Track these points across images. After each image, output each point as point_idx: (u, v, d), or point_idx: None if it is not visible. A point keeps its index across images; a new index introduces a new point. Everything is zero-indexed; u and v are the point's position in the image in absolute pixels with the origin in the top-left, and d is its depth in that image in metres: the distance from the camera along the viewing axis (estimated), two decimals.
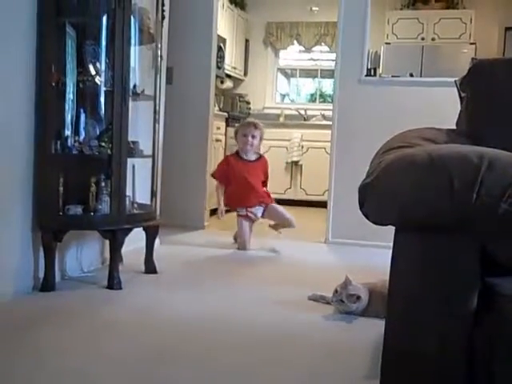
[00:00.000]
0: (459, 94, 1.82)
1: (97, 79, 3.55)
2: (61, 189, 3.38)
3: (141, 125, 4.12)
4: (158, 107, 4.06)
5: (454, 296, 1.13)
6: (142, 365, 2.29)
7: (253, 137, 4.90)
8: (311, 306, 3.20)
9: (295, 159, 8.28)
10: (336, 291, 3.03)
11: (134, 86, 3.87)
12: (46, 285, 3.27)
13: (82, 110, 3.53)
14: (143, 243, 3.80)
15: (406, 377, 1.17)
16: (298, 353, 2.52)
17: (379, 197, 1.16)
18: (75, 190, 3.49)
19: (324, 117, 8.56)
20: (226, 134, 7.19)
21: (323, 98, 9.52)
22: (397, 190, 1.14)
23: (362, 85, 5.29)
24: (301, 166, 8.30)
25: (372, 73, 5.55)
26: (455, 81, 1.85)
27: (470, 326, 1.12)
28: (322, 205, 5.88)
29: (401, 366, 1.18)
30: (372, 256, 4.39)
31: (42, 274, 3.32)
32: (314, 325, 2.93)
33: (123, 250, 3.66)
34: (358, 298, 2.97)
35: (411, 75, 6.28)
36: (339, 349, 2.58)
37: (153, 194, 3.98)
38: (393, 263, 1.20)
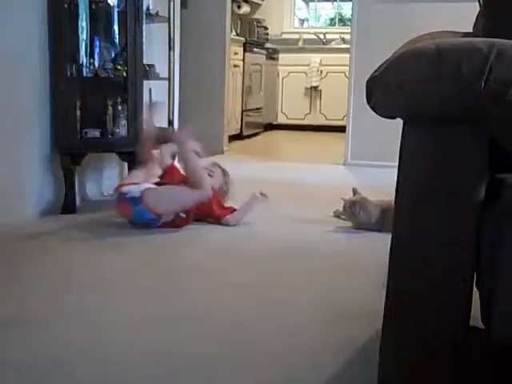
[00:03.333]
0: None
1: (109, 0, 3.51)
2: (78, 112, 3.39)
3: (156, 48, 4.10)
4: (172, 29, 4.01)
5: (463, 186, 1.13)
6: (157, 275, 2.35)
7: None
8: (329, 222, 3.23)
9: (314, 84, 8.19)
10: (345, 206, 3.10)
11: (148, 8, 3.82)
12: (67, 207, 3.33)
13: (95, 32, 3.50)
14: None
15: (416, 266, 1.18)
16: (312, 264, 2.57)
17: (386, 89, 1.15)
18: (92, 113, 3.50)
19: (343, 40, 8.40)
20: (243, 60, 7.11)
21: (343, 21, 9.31)
22: (404, 81, 1.13)
23: (381, 3, 5.15)
24: (320, 91, 8.22)
25: None
26: None
27: (478, 215, 1.13)
28: (342, 130, 5.85)
29: (410, 253, 1.19)
30: (390, 176, 4.36)
31: (62, 197, 3.37)
32: (329, 238, 2.99)
33: None
34: (362, 207, 3.01)
35: None
36: (352, 260, 2.62)
37: (170, 115, 3.98)
38: (401, 157, 1.20)
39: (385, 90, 1.16)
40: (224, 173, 3.49)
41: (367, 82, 1.19)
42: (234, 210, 3.20)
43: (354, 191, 3.17)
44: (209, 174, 3.26)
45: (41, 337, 1.80)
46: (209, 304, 2.09)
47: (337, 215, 3.33)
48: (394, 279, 1.24)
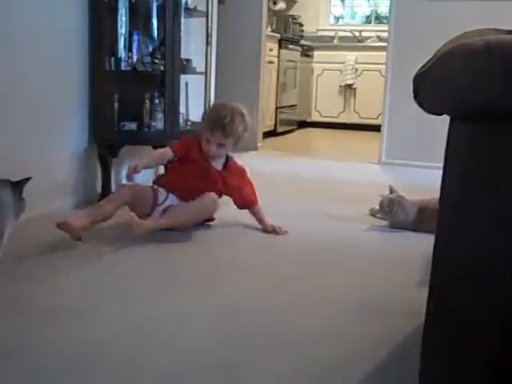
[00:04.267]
0: None
1: None
2: (116, 105, 3.43)
3: (194, 42, 4.11)
4: (210, 24, 4.02)
5: (506, 183, 1.11)
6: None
7: (219, 145, 2.94)
8: (364, 220, 3.22)
9: (349, 82, 8.14)
10: (381, 203, 3.08)
11: (186, 2, 3.84)
12: (103, 198, 3.35)
13: (134, 27, 3.52)
14: None
15: (460, 267, 1.17)
16: (348, 262, 2.56)
17: (434, 85, 1.14)
18: (130, 106, 3.53)
19: (379, 38, 8.33)
20: (278, 56, 7.09)
21: (379, 19, 9.24)
22: (452, 78, 1.11)
23: (419, 0, 5.09)
24: (355, 89, 8.16)
25: None
26: None
27: None
28: (376, 128, 5.81)
29: (454, 255, 1.18)
30: (425, 176, 4.33)
31: (99, 189, 3.41)
32: (365, 236, 2.97)
33: None
34: (399, 205, 2.99)
35: None
36: (389, 258, 2.60)
37: (206, 108, 3.99)
38: (447, 155, 1.19)
39: (432, 86, 1.14)
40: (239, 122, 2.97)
41: (414, 77, 1.18)
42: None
43: (391, 189, 3.14)
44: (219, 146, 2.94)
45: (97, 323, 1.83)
46: (248, 298, 2.10)
47: (372, 213, 3.30)
48: (439, 272, 1.23)
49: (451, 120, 1.17)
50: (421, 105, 1.17)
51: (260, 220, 3.01)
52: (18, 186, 1.90)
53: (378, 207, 3.19)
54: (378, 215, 3.21)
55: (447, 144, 1.19)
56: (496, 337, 1.14)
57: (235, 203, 3.05)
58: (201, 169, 2.95)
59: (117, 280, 2.24)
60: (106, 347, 1.69)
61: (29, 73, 2.97)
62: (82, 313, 1.92)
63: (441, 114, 1.18)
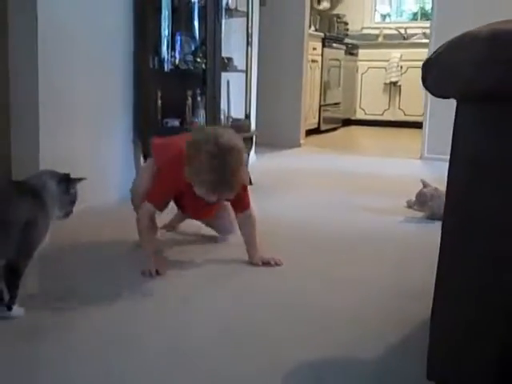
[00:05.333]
0: None
1: None
2: (159, 102, 3.56)
3: (235, 42, 4.22)
4: (250, 24, 4.12)
5: (510, 162, 1.17)
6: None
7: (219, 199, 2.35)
8: (402, 212, 3.28)
9: (394, 80, 8.14)
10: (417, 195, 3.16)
11: (227, 3, 3.95)
12: None
13: (177, 26, 3.66)
14: None
15: (468, 244, 1.23)
16: (383, 249, 2.63)
17: (440, 71, 1.21)
18: (172, 103, 3.66)
19: (425, 35, 8.29)
20: (322, 55, 7.16)
21: (426, 16, 9.19)
22: (457, 63, 1.18)
23: None
24: (399, 86, 8.16)
25: None
26: None
27: None
28: (421, 126, 5.81)
29: (462, 231, 1.25)
30: None
31: None
32: (401, 227, 3.04)
33: None
34: (433, 196, 3.05)
35: None
36: (421, 247, 2.66)
37: (247, 106, 4.09)
38: (454, 136, 1.26)
39: (439, 72, 1.22)
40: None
41: (423, 64, 1.25)
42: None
43: (423, 183, 3.22)
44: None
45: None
46: (279, 284, 2.20)
47: (409, 205, 3.36)
48: (447, 245, 1.29)
49: (458, 103, 1.24)
50: (428, 89, 1.24)
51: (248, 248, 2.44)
52: (66, 180, 1.92)
53: (413, 199, 3.26)
54: (415, 207, 3.27)
55: (454, 127, 1.26)
56: (504, 316, 1.20)
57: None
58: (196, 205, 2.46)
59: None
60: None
61: (77, 71, 3.12)
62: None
63: (447, 98, 1.25)
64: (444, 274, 1.29)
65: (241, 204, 2.41)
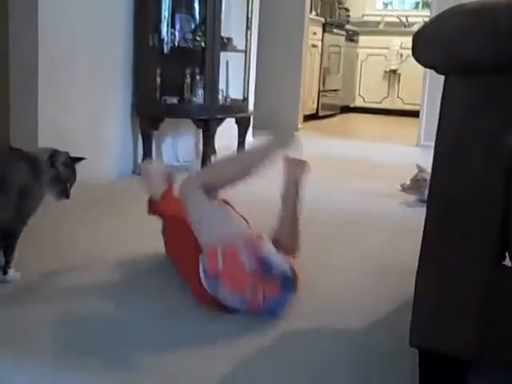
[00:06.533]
0: None
1: None
2: (158, 80, 3.58)
3: (235, 22, 4.23)
4: (250, 8, 4.13)
5: (499, 132, 1.21)
6: None
7: None
8: (396, 195, 3.32)
9: (393, 67, 8.15)
10: (411, 180, 3.21)
11: None
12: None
13: (177, 5, 3.67)
14: (236, 142, 4.02)
15: (451, 204, 1.27)
16: (375, 229, 2.67)
17: (428, 41, 1.24)
18: (171, 81, 3.68)
19: None
20: (322, 41, 7.16)
21: (427, 5, 9.19)
22: (443, 33, 1.22)
23: None
24: (399, 74, 8.17)
25: None
26: None
27: (509, 160, 1.21)
28: (419, 115, 5.84)
29: (445, 194, 1.29)
30: None
31: (140, 160, 3.58)
32: (394, 209, 3.09)
33: (216, 146, 3.86)
34: (426, 182, 3.09)
35: None
36: (411, 228, 2.70)
37: (245, 87, 4.11)
38: (442, 108, 1.29)
39: (426, 42, 1.25)
40: None
41: (414, 34, 1.29)
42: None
43: (419, 167, 3.26)
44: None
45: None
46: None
47: (403, 189, 3.40)
48: (432, 213, 1.33)
49: (445, 77, 1.27)
50: (417, 60, 1.28)
51: None
52: (54, 155, 1.91)
53: (408, 183, 3.31)
54: (408, 190, 3.31)
55: (442, 99, 1.29)
56: (482, 286, 1.25)
57: None
58: None
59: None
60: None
61: (77, 47, 3.14)
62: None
63: (435, 68, 1.28)
64: (427, 245, 1.33)
65: None
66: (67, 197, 1.92)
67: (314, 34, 6.82)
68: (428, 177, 3.08)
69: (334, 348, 1.56)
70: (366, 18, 8.92)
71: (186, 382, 1.37)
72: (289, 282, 1.68)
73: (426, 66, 1.28)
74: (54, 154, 1.88)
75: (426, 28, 1.26)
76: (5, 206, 1.75)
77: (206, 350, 1.51)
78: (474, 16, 1.19)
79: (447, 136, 1.29)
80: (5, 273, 1.84)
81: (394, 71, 8.19)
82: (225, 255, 1.63)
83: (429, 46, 1.24)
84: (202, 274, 1.66)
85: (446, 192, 1.29)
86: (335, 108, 7.96)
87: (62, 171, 1.88)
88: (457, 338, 1.30)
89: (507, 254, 1.27)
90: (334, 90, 7.75)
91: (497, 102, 1.22)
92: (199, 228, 1.77)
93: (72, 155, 1.94)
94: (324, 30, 7.18)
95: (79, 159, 1.95)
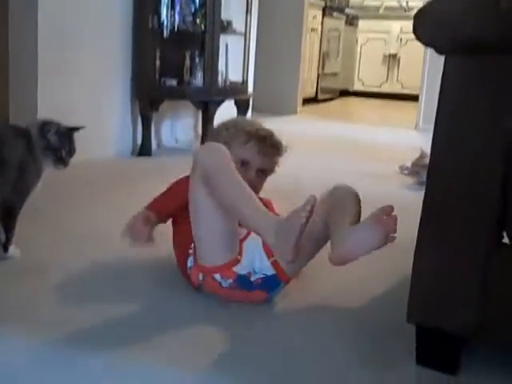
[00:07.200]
0: None
1: None
2: (157, 62, 3.58)
3: (235, 5, 4.22)
4: None
5: (500, 111, 1.22)
6: None
7: (261, 173, 1.88)
8: (394, 178, 3.33)
9: (393, 52, 8.14)
10: (412, 164, 3.21)
11: None
12: (143, 150, 3.55)
13: None
14: None
15: (450, 182, 1.29)
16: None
17: (430, 19, 1.25)
18: (171, 64, 3.68)
19: None
20: (322, 24, 7.14)
21: None
22: (445, 13, 1.22)
23: None
24: (399, 58, 8.17)
25: None
26: None
27: (506, 140, 1.22)
28: (418, 99, 5.84)
29: (444, 174, 1.30)
30: None
31: (139, 141, 3.59)
32: (394, 191, 3.09)
33: None
34: (425, 165, 3.11)
35: None
36: (408, 208, 2.72)
37: (244, 70, 4.11)
38: (442, 86, 1.30)
39: (427, 21, 1.26)
40: None
41: (415, 14, 1.29)
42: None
43: (422, 152, 3.25)
44: None
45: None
46: None
47: (402, 171, 3.42)
48: (431, 192, 1.35)
49: (446, 56, 1.28)
50: (418, 39, 1.28)
51: None
52: (49, 126, 1.90)
53: (407, 165, 3.32)
54: (405, 172, 3.33)
55: (442, 79, 1.30)
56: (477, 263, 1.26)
57: None
58: None
59: None
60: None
61: (77, 29, 3.14)
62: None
63: (435, 47, 1.29)
64: (426, 224, 1.35)
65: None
66: (64, 164, 1.89)
67: (314, 17, 6.80)
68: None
69: (335, 324, 1.59)
70: (366, 3, 8.88)
71: (186, 358, 1.39)
72: (272, 280, 1.63)
73: (426, 44, 1.28)
74: (43, 125, 1.87)
75: (427, 7, 1.27)
76: (5, 183, 1.77)
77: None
78: None
79: (446, 115, 1.30)
80: (5, 249, 1.85)
81: (394, 56, 8.19)
82: (204, 274, 1.63)
83: (430, 24, 1.25)
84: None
85: (444, 171, 1.30)
86: (334, 92, 7.96)
87: (53, 140, 1.86)
88: (454, 315, 1.32)
89: (505, 233, 1.29)
90: (334, 74, 7.74)
91: (496, 82, 1.23)
92: (196, 228, 1.62)
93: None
94: (324, 14, 7.16)
95: (76, 129, 1.94)
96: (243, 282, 1.61)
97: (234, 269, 1.60)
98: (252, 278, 1.62)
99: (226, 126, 1.89)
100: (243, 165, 1.80)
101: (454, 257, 1.31)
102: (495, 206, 1.25)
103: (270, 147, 1.87)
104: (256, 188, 1.78)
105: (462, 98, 1.28)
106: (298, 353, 1.44)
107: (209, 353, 1.40)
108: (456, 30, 1.20)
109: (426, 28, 1.26)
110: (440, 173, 1.32)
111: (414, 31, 1.29)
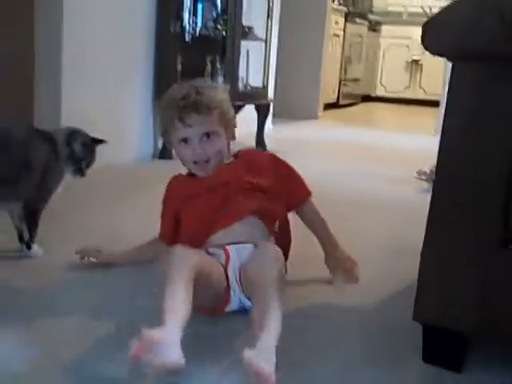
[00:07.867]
0: None
1: None
2: (179, 66, 3.65)
3: (257, 11, 4.28)
4: None
5: (504, 115, 1.26)
6: None
7: (204, 137, 1.70)
8: (411, 182, 3.36)
9: (416, 58, 8.14)
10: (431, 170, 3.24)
11: None
12: (164, 153, 3.60)
13: None
14: (255, 129, 4.09)
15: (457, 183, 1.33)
16: (390, 213, 2.72)
17: (437, 29, 1.29)
18: (192, 68, 3.74)
19: None
20: (344, 30, 7.18)
21: None
22: (451, 22, 1.27)
23: None
24: (421, 65, 8.17)
25: None
26: None
27: None
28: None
29: (451, 177, 1.34)
30: None
31: (160, 144, 3.66)
32: (406, 194, 3.14)
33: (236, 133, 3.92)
34: None
35: None
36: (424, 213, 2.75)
37: (265, 76, 4.17)
38: (449, 95, 1.34)
39: (435, 31, 1.30)
40: None
41: (423, 24, 1.33)
42: None
43: None
44: None
45: None
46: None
47: (419, 176, 3.45)
48: (437, 194, 1.39)
49: (453, 64, 1.32)
50: (427, 48, 1.32)
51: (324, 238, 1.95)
52: (71, 135, 1.97)
53: (424, 170, 3.35)
54: (423, 177, 3.36)
55: (449, 85, 1.34)
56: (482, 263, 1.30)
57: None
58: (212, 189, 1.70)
59: None
60: None
61: (100, 31, 3.21)
62: None
63: (444, 56, 1.33)
64: (432, 225, 1.39)
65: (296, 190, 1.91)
66: (82, 175, 1.98)
67: (336, 23, 6.84)
68: None
69: (344, 322, 1.63)
70: (389, 8, 8.89)
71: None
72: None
73: (434, 53, 1.32)
74: (70, 134, 1.94)
75: (436, 17, 1.31)
76: (30, 185, 1.84)
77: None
78: (479, 6, 1.23)
79: (453, 121, 1.34)
80: (29, 247, 1.92)
81: (417, 61, 8.19)
82: None
83: (437, 34, 1.29)
84: None
85: (450, 175, 1.34)
86: (356, 97, 7.98)
87: (78, 151, 1.93)
88: (456, 314, 1.36)
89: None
90: (355, 80, 7.76)
91: (503, 90, 1.27)
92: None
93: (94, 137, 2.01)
94: (346, 20, 7.20)
95: (100, 141, 2.01)
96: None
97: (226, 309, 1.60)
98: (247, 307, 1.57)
99: (159, 115, 1.86)
100: (186, 143, 1.71)
101: (456, 258, 1.35)
102: (500, 208, 1.28)
103: (193, 111, 1.68)
104: (213, 150, 1.71)
105: (468, 104, 1.32)
106: (303, 351, 1.48)
107: (209, 352, 1.44)
108: (463, 40, 1.24)
109: (432, 37, 1.30)
110: (446, 175, 1.36)
111: (422, 40, 1.33)
